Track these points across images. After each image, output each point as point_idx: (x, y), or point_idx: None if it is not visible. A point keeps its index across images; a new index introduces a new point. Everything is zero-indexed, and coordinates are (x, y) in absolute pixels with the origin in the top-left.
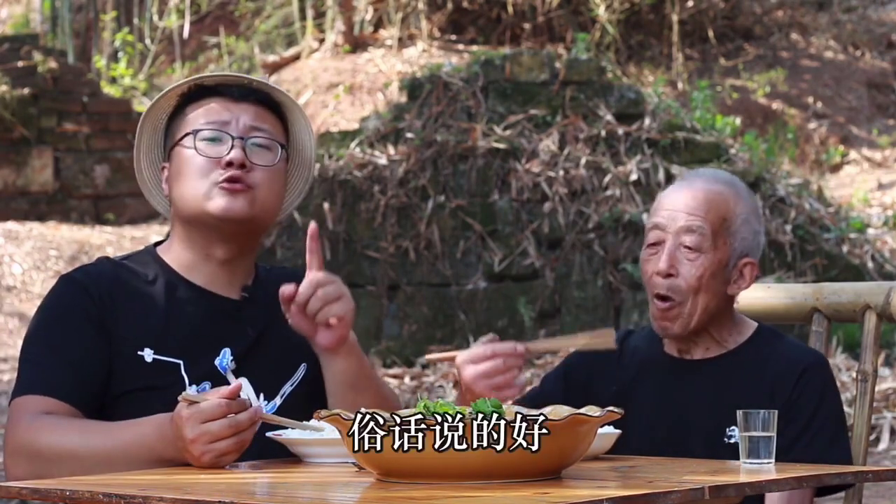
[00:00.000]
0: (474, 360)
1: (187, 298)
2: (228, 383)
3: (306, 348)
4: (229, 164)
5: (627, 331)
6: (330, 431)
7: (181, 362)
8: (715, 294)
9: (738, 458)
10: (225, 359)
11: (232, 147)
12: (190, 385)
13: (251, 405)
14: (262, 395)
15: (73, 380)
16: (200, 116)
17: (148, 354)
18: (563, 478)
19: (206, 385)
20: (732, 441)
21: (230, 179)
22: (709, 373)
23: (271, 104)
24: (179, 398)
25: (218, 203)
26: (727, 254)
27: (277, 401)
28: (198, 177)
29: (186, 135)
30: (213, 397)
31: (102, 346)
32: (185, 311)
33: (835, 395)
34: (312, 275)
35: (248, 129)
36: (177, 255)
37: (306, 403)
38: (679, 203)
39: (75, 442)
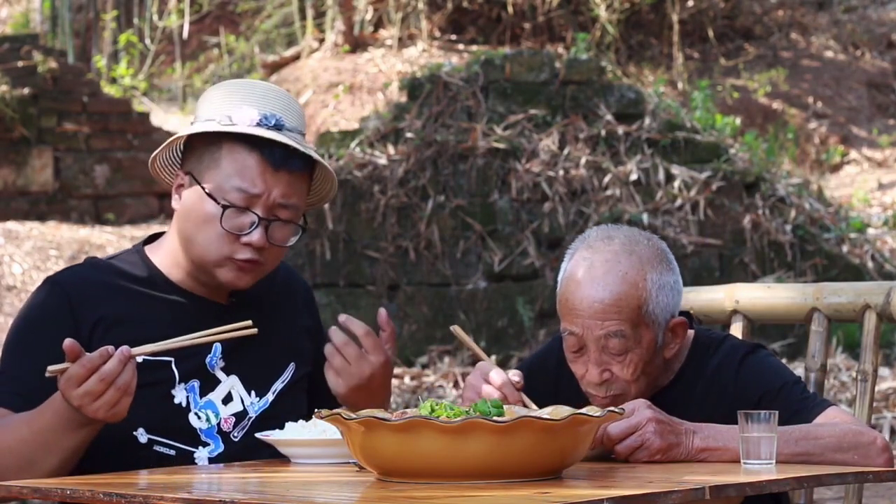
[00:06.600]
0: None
1: (176, 302)
2: (218, 381)
3: (293, 348)
4: (248, 244)
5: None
6: (312, 431)
7: (172, 359)
8: (654, 368)
9: None
10: (215, 356)
11: (256, 226)
12: (179, 382)
13: (113, 352)
14: (252, 392)
15: (39, 391)
16: (235, 174)
17: (139, 356)
18: (563, 478)
19: (195, 384)
20: None
21: (247, 261)
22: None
23: (306, 163)
24: (47, 374)
25: (227, 276)
26: (654, 333)
27: (270, 397)
28: (215, 242)
29: (214, 186)
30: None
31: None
32: (175, 314)
33: (779, 365)
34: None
35: (276, 207)
36: (168, 263)
37: (297, 401)
38: (588, 308)
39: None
